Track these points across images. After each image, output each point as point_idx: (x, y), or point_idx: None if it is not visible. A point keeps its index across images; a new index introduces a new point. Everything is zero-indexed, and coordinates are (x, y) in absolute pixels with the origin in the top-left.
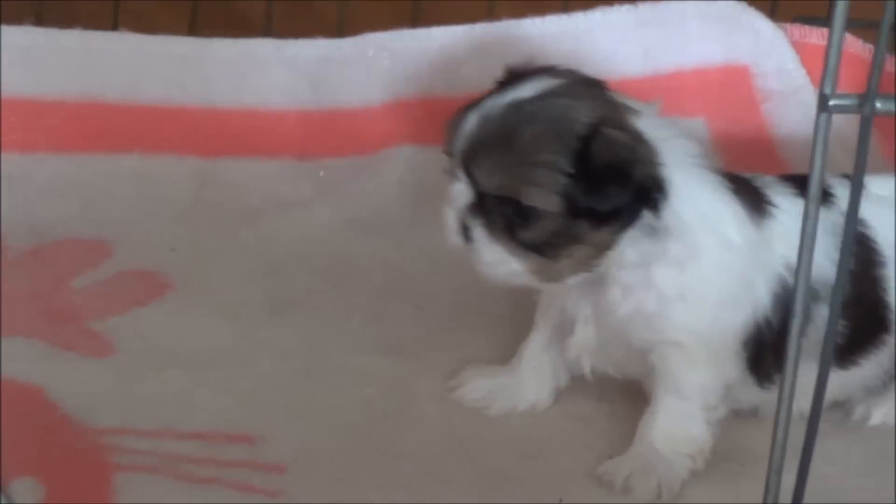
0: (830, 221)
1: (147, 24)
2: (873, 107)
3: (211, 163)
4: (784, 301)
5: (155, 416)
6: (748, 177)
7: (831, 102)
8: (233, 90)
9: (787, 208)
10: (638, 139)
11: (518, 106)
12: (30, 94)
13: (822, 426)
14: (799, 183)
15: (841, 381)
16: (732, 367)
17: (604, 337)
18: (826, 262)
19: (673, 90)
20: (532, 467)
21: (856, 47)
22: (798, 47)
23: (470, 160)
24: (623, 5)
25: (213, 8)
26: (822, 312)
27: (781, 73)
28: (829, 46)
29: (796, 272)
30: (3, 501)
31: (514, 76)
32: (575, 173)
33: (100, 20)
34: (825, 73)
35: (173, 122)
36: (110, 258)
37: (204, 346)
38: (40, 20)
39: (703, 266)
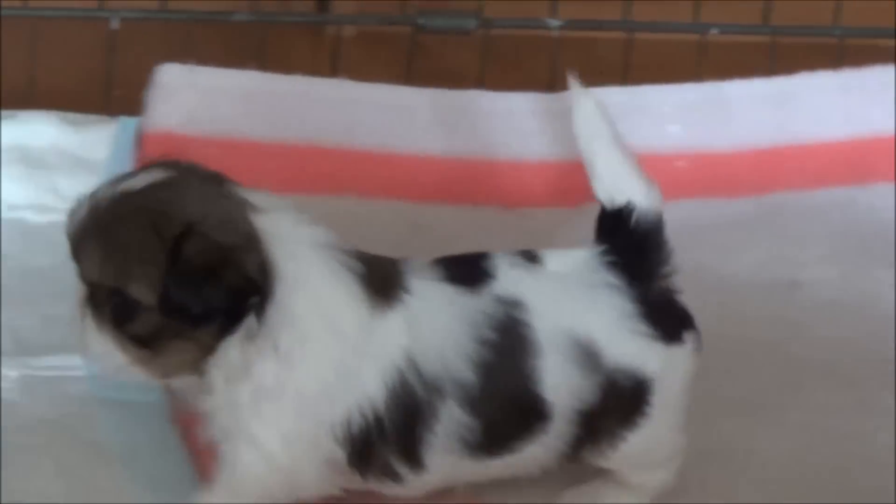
0: (473, 309)
1: (363, 75)
2: None
3: (421, 207)
4: (400, 395)
5: None
6: (392, 261)
7: None
8: (445, 138)
9: (424, 295)
10: (239, 241)
11: (126, 197)
12: (252, 136)
13: None
14: (451, 267)
15: (489, 466)
16: (309, 471)
17: None
18: (454, 355)
19: (870, 154)
20: None
21: None
22: None
23: (77, 250)
24: (826, 70)
25: (427, 61)
26: (449, 410)
27: None
28: None
29: None
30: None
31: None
32: (171, 271)
33: (319, 68)
34: None
35: (386, 168)
36: None
37: None
38: (263, 66)
39: (306, 357)
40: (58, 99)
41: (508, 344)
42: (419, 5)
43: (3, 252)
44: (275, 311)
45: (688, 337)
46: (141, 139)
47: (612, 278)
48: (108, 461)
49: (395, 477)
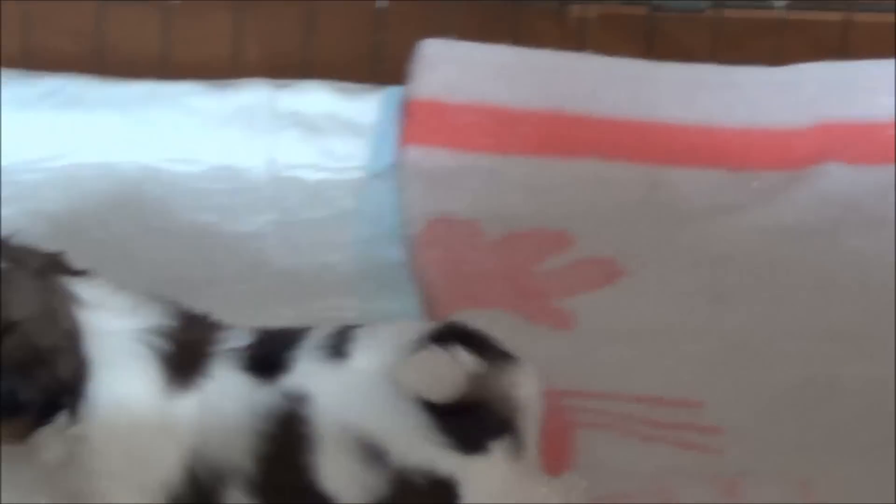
0: (259, 401)
1: (607, 51)
2: None
3: (658, 170)
4: (193, 483)
5: (608, 381)
6: (204, 339)
7: None
8: (681, 107)
9: (221, 380)
10: (58, 341)
11: None
12: (505, 103)
13: None
14: (257, 350)
15: None
16: None
17: None
18: (236, 445)
19: None
20: None
21: None
22: None
23: None
24: None
25: (662, 40)
26: (234, 496)
27: None
28: None
29: None
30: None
31: None
32: None
33: (564, 47)
34: None
35: (627, 133)
36: (572, 247)
37: (652, 323)
38: (514, 43)
39: (113, 450)
40: (332, 72)
41: (286, 438)
42: None
43: (282, 206)
44: (85, 405)
45: (495, 445)
46: (406, 106)
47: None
48: None
49: None
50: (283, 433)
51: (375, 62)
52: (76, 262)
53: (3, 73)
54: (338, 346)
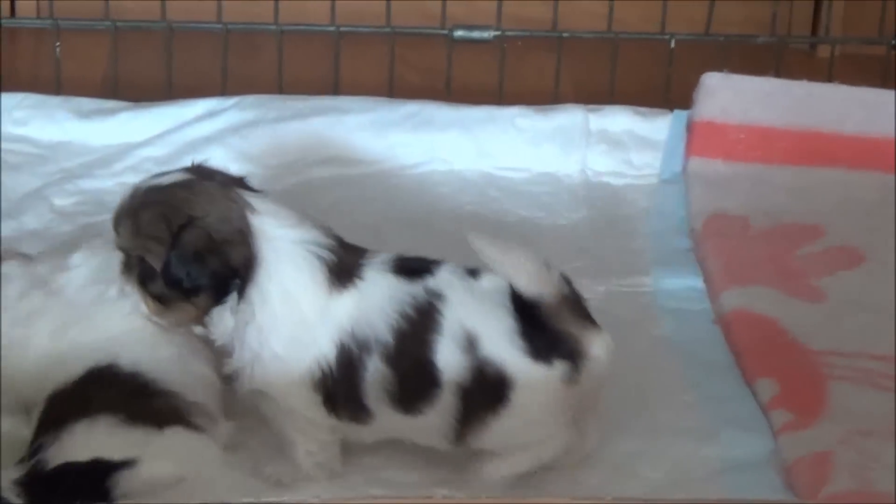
0: (405, 292)
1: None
2: None
3: (890, 177)
4: (343, 352)
5: (852, 343)
6: (361, 252)
7: None
8: None
9: (372, 281)
10: (230, 236)
11: (154, 190)
12: (769, 124)
13: None
14: (404, 262)
15: (410, 424)
16: (305, 408)
17: None
18: (380, 322)
19: None
20: None
21: None
22: None
23: (116, 226)
24: None
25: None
26: (374, 363)
27: None
28: None
29: None
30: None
31: (192, 170)
32: (172, 252)
33: (816, 78)
34: None
35: (867, 148)
36: (823, 237)
37: (888, 298)
38: (777, 74)
39: (278, 329)
40: (632, 99)
41: (421, 320)
42: None
43: (592, 205)
44: (254, 291)
45: (557, 363)
46: (690, 125)
47: (509, 304)
48: (672, 351)
49: (356, 418)
50: (418, 316)
51: (666, 91)
52: (435, 252)
53: (373, 99)
54: (472, 271)
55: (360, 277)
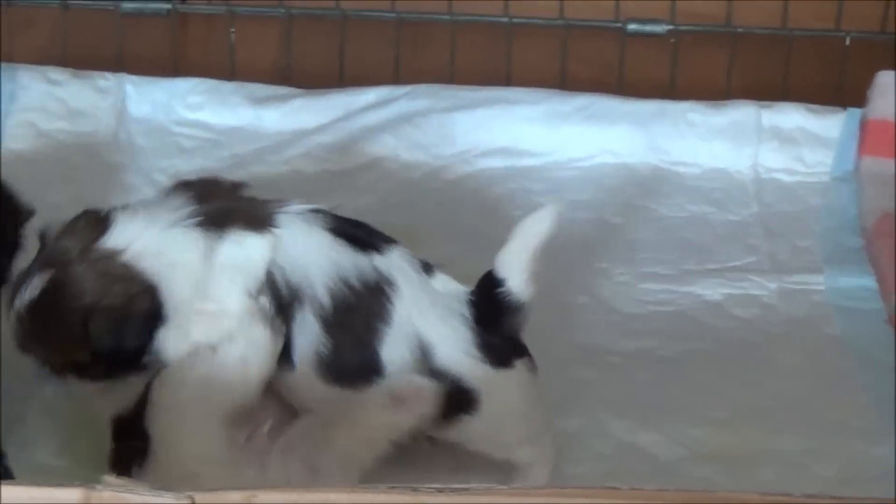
0: (349, 259)
1: None
2: None
3: None
4: (271, 290)
5: None
6: (269, 203)
7: None
8: None
9: (292, 230)
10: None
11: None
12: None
13: None
14: (347, 226)
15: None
16: None
17: None
18: (317, 279)
19: None
20: None
21: None
22: None
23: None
24: None
25: None
26: (306, 317)
27: None
28: None
29: None
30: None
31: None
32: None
33: None
34: None
35: None
36: None
37: None
38: None
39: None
40: (804, 96)
41: (368, 300)
42: None
43: (763, 201)
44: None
45: (518, 362)
46: (863, 124)
47: (467, 313)
48: (844, 350)
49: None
50: (366, 294)
51: (840, 88)
52: (604, 247)
53: (544, 91)
54: (426, 266)
55: (274, 225)
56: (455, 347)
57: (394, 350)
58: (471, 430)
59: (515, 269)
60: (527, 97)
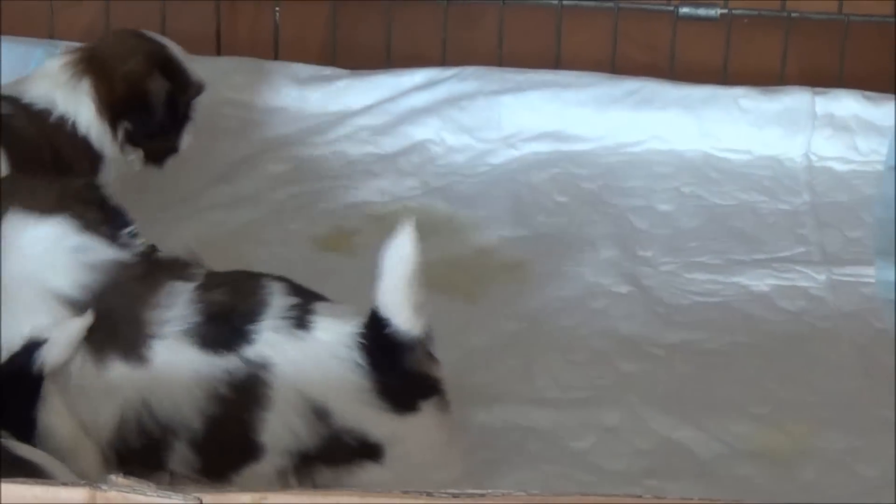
0: (217, 368)
1: None
2: None
3: None
4: (137, 427)
5: None
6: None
7: None
8: None
9: (168, 357)
10: None
11: None
12: None
13: None
14: (210, 328)
15: None
16: None
17: None
18: (188, 406)
19: None
20: None
21: None
22: None
23: None
24: None
25: None
26: (180, 447)
27: None
28: None
29: None
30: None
31: None
32: None
33: None
34: None
35: None
36: None
37: None
38: None
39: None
40: (860, 83)
41: (241, 400)
42: None
43: (815, 190)
44: None
45: (424, 405)
46: None
47: (359, 359)
48: (893, 344)
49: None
50: (238, 396)
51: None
52: (650, 234)
53: (593, 74)
54: (300, 321)
55: (147, 351)
56: (351, 401)
57: (281, 428)
58: (377, 477)
59: (397, 306)
60: (576, 81)
